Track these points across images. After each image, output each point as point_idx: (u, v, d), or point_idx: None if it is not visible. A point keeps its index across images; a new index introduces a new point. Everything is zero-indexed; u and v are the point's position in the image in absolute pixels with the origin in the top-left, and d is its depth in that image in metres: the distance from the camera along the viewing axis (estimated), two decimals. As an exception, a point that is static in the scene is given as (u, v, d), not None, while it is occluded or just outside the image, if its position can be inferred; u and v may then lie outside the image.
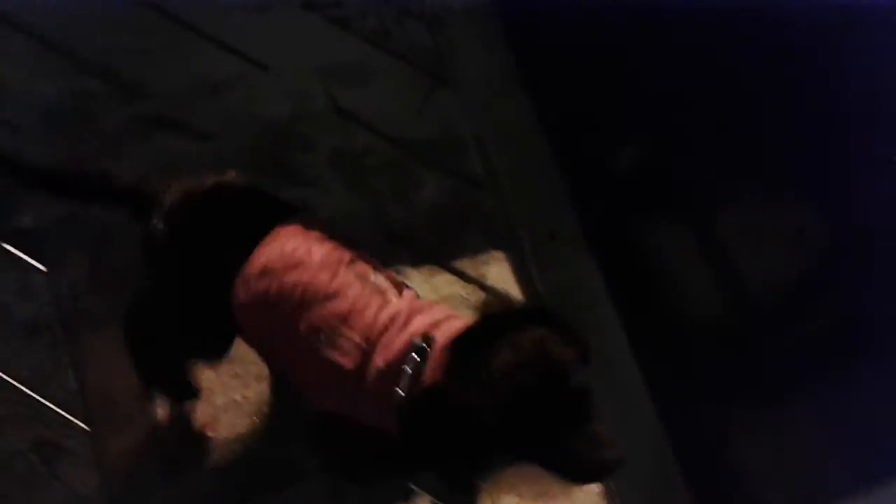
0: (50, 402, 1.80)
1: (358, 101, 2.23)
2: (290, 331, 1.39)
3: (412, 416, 1.30)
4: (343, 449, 1.55)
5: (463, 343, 1.29)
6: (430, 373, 1.29)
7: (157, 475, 1.77)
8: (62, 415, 1.79)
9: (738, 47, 1.63)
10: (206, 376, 1.83)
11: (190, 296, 1.47)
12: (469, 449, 1.28)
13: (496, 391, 1.20)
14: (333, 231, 1.49)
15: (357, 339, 1.36)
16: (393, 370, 1.32)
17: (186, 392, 1.78)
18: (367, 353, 1.35)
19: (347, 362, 1.35)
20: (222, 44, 2.23)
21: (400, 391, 1.30)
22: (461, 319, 1.38)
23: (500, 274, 2.09)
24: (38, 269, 1.92)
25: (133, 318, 1.61)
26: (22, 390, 1.79)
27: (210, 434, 1.82)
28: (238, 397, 1.86)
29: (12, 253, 1.93)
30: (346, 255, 1.44)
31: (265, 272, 1.40)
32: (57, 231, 1.96)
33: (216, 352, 1.61)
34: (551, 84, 2.27)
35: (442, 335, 1.33)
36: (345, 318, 1.36)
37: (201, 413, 1.83)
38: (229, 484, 1.79)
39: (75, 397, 1.77)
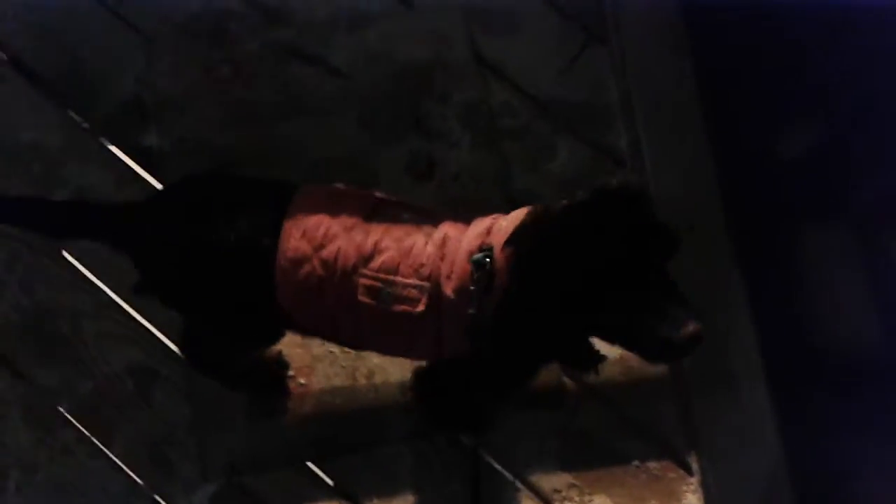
0: (154, 326, 1.81)
1: (502, 51, 2.07)
2: (351, 306, 1.32)
3: (492, 330, 1.25)
4: (445, 400, 1.55)
5: (520, 238, 1.24)
6: (500, 280, 1.24)
7: (245, 414, 1.76)
8: (163, 341, 1.80)
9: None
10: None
11: (233, 301, 1.40)
12: (549, 344, 1.27)
13: (563, 277, 1.18)
14: (336, 188, 1.42)
15: (417, 281, 1.30)
16: (464, 294, 1.27)
17: (271, 381, 1.78)
18: (434, 290, 1.29)
19: (419, 307, 1.30)
20: (370, -26, 2.11)
21: (471, 311, 1.25)
22: (508, 218, 1.31)
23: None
24: (155, 187, 1.92)
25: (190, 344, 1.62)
26: (127, 311, 1.81)
27: (302, 381, 1.78)
28: (336, 349, 1.81)
29: (133, 169, 1.94)
30: (367, 206, 1.37)
31: (298, 260, 1.32)
32: (177, 153, 1.94)
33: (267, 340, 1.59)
34: (722, 55, 2.04)
35: (497, 241, 1.27)
36: (396, 268, 1.30)
37: (297, 360, 1.80)
38: (314, 435, 1.76)
39: (178, 325, 1.76)
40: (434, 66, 2.05)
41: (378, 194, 1.41)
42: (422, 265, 1.30)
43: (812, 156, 1.82)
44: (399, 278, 1.30)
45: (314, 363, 1.80)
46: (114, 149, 1.95)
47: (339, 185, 1.43)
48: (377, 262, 1.31)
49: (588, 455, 1.74)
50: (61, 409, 1.76)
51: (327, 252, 1.32)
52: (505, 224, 1.29)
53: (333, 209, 1.36)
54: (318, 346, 1.80)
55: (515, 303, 1.22)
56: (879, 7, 1.48)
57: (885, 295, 1.61)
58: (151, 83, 2.01)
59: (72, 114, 1.99)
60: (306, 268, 1.32)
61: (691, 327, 1.17)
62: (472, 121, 2.01)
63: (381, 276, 1.31)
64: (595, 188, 1.22)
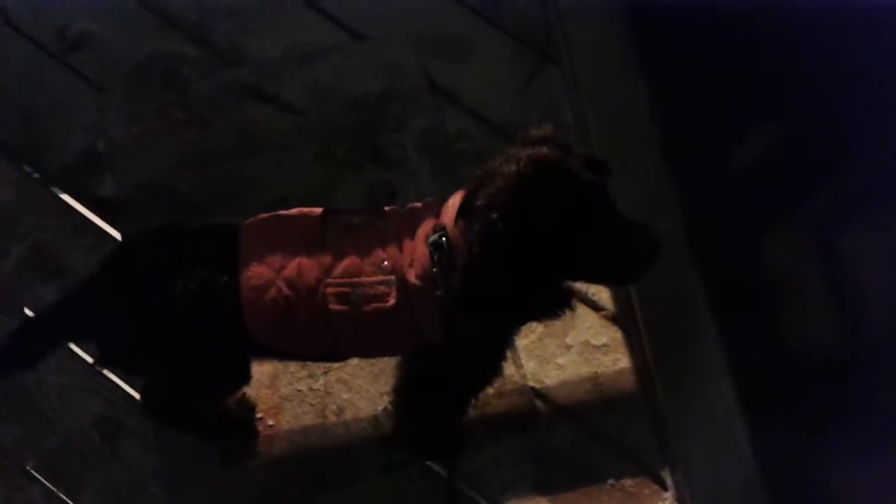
0: (116, 377, 1.78)
1: (455, 77, 2.08)
2: (324, 317, 1.32)
3: (462, 298, 1.25)
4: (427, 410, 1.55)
5: (470, 205, 1.25)
6: (459, 253, 1.25)
7: (215, 461, 1.74)
8: (126, 391, 1.78)
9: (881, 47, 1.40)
10: (273, 364, 1.77)
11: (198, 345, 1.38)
12: (519, 297, 1.25)
13: (523, 224, 1.19)
14: (279, 214, 1.42)
15: (382, 277, 1.31)
16: (428, 278, 1.28)
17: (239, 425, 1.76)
18: (400, 282, 1.30)
19: (390, 301, 1.31)
20: (318, 9, 2.12)
21: (438, 293, 1.26)
22: (453, 197, 1.32)
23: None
24: (113, 236, 1.90)
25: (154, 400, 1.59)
26: (88, 363, 1.78)
27: (271, 423, 1.76)
28: (304, 388, 1.79)
29: (90, 220, 1.92)
30: (315, 221, 1.37)
31: (262, 286, 1.32)
32: (134, 200, 1.93)
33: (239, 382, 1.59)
34: (672, 68, 2.05)
35: (448, 219, 1.28)
36: (360, 270, 1.32)
37: (265, 402, 1.77)
38: (287, 477, 1.74)
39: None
40: (388, 95, 2.05)
41: (320, 209, 1.41)
42: (383, 261, 1.31)
43: (767, 162, 1.83)
44: (364, 278, 1.31)
45: (283, 403, 1.78)
46: (70, 200, 1.94)
47: (280, 212, 1.43)
48: (340, 269, 1.32)
49: (563, 477, 1.72)
50: (28, 467, 1.73)
51: (289, 271, 1.32)
52: (451, 202, 1.31)
53: (283, 232, 1.37)
54: (286, 386, 1.79)
55: (480, 263, 1.21)
56: (827, 9, 1.50)
57: (847, 296, 1.62)
58: (104, 132, 2.00)
59: (26, 167, 1.97)
60: (272, 292, 1.32)
61: (650, 237, 1.24)
62: (430, 148, 2.01)
63: (347, 280, 1.31)
64: (520, 138, 1.29)
